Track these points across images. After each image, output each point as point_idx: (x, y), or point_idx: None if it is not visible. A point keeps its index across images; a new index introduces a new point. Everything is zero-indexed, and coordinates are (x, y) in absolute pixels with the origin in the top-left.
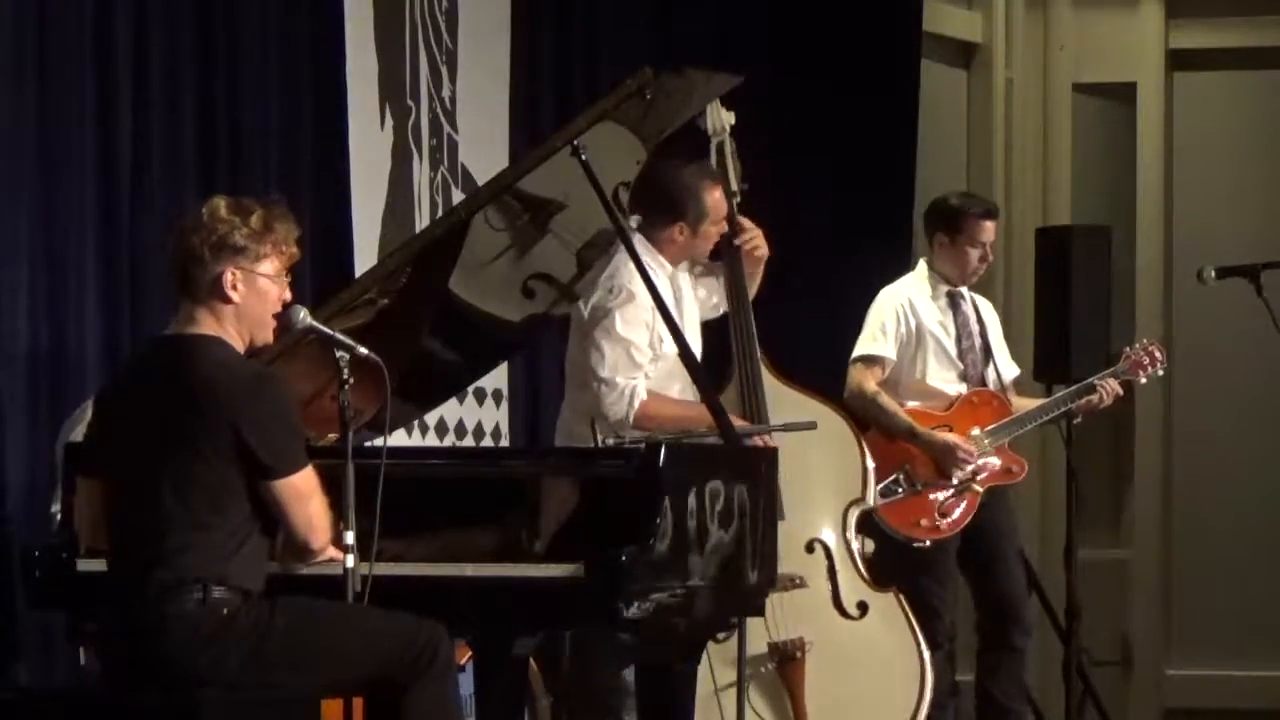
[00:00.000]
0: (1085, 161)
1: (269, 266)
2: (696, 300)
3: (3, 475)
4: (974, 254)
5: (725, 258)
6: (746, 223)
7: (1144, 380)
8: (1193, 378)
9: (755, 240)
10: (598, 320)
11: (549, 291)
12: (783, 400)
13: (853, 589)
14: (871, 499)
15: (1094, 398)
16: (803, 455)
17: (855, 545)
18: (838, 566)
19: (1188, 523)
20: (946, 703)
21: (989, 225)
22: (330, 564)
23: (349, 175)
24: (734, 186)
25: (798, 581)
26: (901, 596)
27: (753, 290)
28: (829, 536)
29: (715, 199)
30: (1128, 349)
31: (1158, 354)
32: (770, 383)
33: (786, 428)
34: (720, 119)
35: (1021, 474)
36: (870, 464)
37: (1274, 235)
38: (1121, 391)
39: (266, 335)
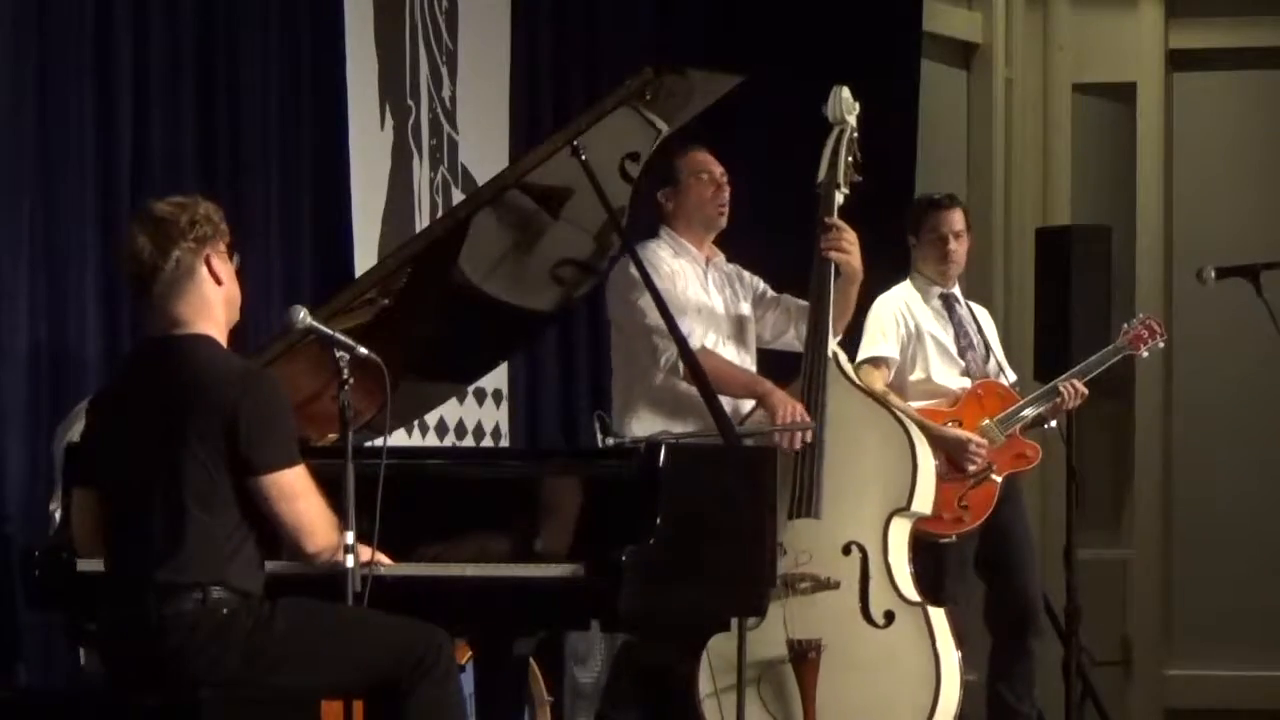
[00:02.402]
0: (1085, 161)
1: (224, 247)
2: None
3: (3, 475)
4: (938, 245)
5: (814, 255)
6: (837, 223)
7: (1145, 354)
8: (1193, 377)
9: (834, 243)
10: (621, 290)
11: (577, 274)
12: (850, 405)
13: (883, 597)
14: (920, 508)
15: (1059, 399)
16: (852, 458)
17: (905, 564)
18: (872, 572)
19: (1188, 523)
20: None
21: (945, 214)
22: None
23: (349, 175)
24: (839, 178)
25: (829, 582)
26: (938, 615)
27: (846, 315)
28: (868, 541)
29: (686, 157)
30: (1126, 324)
31: (1156, 327)
32: (841, 386)
33: (786, 428)
34: (841, 108)
35: (1036, 458)
36: (923, 476)
37: (1274, 235)
38: (1086, 392)
39: (236, 314)
